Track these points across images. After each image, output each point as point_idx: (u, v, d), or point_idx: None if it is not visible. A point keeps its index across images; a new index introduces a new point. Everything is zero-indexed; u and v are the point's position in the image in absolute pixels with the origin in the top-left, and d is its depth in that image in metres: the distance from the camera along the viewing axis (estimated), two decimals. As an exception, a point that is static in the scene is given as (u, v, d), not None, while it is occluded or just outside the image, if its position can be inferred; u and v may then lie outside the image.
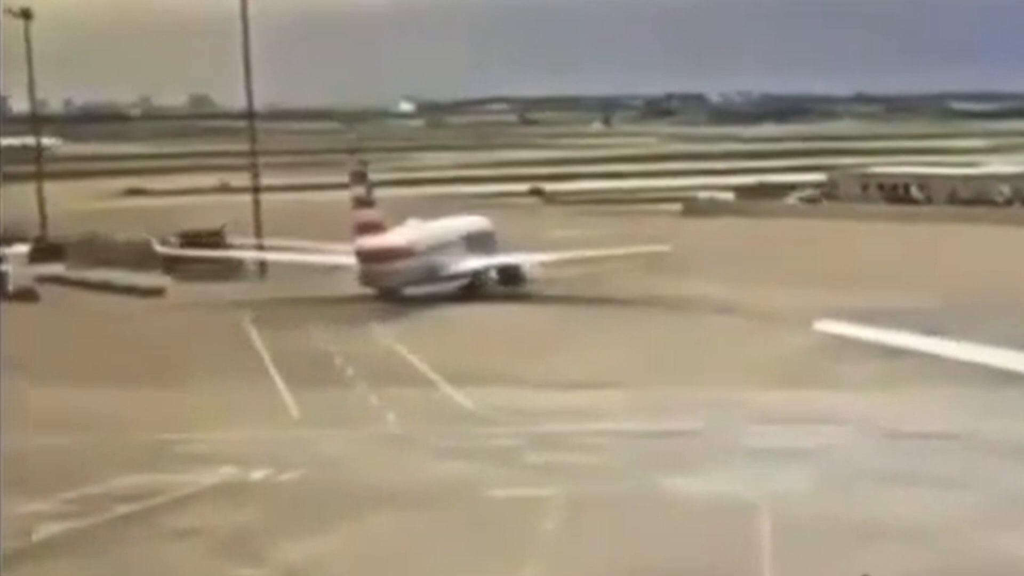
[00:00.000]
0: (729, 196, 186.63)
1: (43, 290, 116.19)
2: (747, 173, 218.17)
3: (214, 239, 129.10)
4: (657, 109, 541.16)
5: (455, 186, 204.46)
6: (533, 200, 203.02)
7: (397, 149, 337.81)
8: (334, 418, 67.68)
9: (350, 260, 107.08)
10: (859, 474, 55.09)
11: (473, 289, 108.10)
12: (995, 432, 60.74)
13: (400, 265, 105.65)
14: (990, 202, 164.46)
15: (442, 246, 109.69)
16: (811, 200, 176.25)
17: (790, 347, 79.40)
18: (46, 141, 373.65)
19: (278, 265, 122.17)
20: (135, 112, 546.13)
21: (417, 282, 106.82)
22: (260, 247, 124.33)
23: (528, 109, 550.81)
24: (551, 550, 46.53)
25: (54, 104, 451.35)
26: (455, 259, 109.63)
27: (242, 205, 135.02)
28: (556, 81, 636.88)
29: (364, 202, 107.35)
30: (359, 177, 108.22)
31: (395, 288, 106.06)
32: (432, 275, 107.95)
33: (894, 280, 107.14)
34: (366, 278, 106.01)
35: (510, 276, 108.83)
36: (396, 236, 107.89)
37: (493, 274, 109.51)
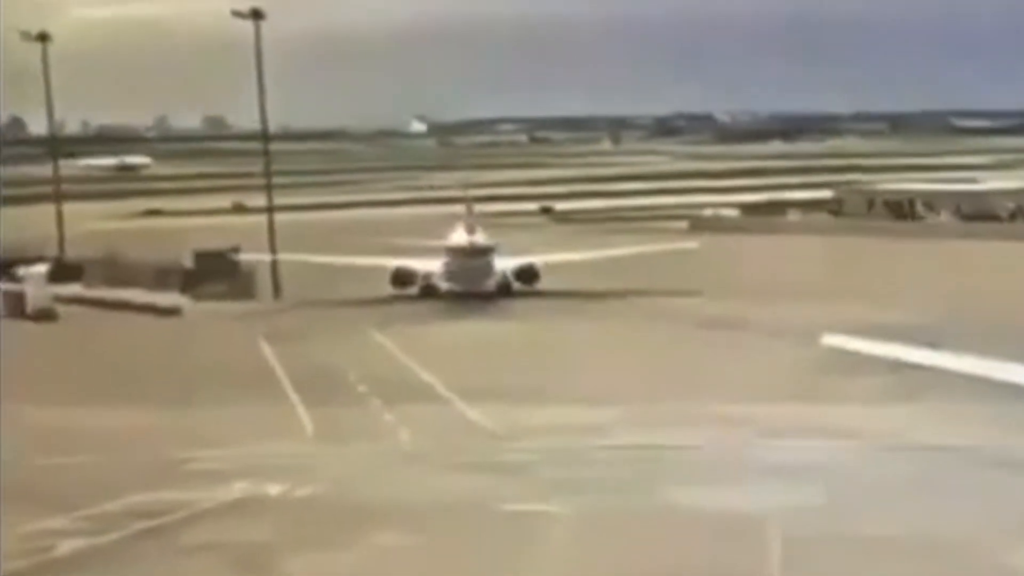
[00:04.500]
0: (735, 213, 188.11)
1: (61, 309, 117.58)
2: (754, 191, 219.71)
3: (229, 257, 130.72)
4: (665, 128, 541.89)
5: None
6: (543, 218, 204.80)
7: (409, 168, 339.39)
8: (350, 435, 68.64)
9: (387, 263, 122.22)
10: (867, 488, 55.46)
11: (504, 287, 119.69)
12: (1005, 446, 61.02)
13: (486, 260, 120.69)
14: (994, 218, 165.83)
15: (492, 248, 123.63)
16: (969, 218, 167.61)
17: (797, 361, 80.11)
18: (137, 160, 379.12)
19: (292, 284, 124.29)
20: (151, 134, 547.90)
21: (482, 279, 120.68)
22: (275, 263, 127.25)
23: (537, 128, 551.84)
24: (559, 564, 47.15)
25: (72, 125, 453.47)
26: (494, 260, 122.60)
27: (257, 225, 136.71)
28: (565, 101, 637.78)
29: (468, 209, 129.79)
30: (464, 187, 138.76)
31: (436, 286, 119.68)
32: (486, 273, 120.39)
33: (901, 294, 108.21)
34: (453, 274, 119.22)
35: (527, 275, 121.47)
36: (480, 237, 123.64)
37: (510, 274, 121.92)
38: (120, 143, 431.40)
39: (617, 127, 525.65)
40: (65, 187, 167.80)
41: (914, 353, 59.26)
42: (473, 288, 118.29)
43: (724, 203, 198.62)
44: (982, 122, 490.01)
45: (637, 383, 79.21)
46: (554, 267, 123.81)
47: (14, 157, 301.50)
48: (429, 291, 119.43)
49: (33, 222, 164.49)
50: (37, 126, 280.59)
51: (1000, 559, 46.35)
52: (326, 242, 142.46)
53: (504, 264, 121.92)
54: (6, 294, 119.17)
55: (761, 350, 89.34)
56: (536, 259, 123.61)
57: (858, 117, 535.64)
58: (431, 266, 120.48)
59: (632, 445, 63.99)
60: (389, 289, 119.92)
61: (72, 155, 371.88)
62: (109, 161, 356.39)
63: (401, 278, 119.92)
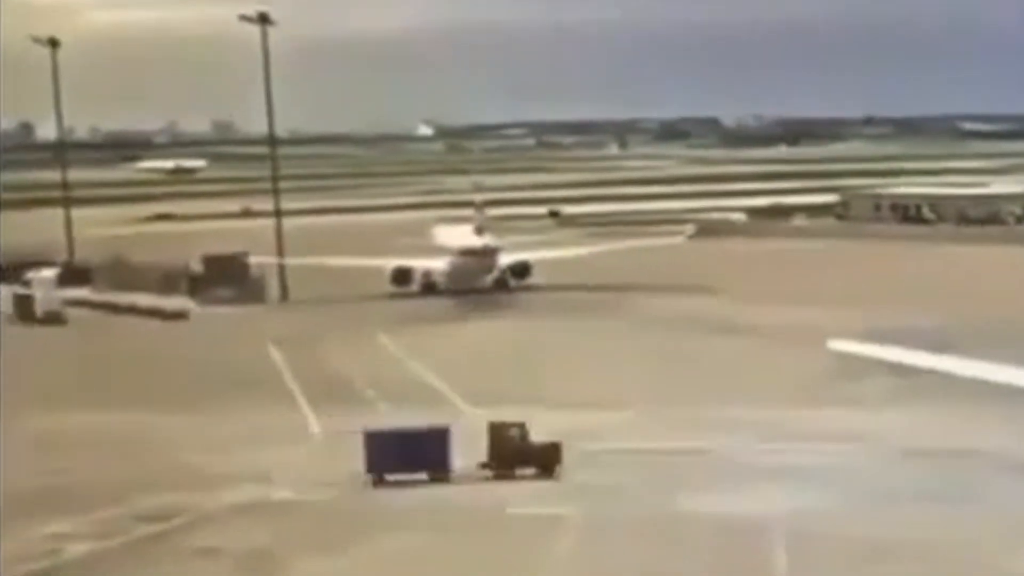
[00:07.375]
0: (741, 217, 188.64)
1: (70, 313, 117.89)
2: (761, 195, 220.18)
3: (237, 262, 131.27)
4: (672, 132, 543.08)
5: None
6: (550, 222, 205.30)
7: (417, 173, 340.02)
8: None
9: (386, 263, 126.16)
10: (874, 492, 55.66)
11: (501, 283, 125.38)
12: (1009, 449, 61.28)
13: (492, 261, 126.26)
14: (1000, 221, 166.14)
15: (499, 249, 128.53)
16: None
17: (804, 365, 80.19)
18: (193, 163, 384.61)
19: (299, 288, 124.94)
20: (160, 139, 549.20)
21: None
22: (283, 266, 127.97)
23: (545, 133, 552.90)
24: (568, 567, 47.62)
25: (81, 131, 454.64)
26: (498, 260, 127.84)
27: (265, 228, 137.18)
28: (572, 105, 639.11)
29: (479, 211, 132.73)
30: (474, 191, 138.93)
31: (435, 283, 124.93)
32: (487, 271, 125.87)
33: (907, 298, 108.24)
34: (458, 272, 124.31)
35: (521, 271, 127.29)
36: (488, 239, 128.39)
37: (507, 270, 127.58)
38: (128, 148, 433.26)
39: (623, 131, 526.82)
40: (102, 191, 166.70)
41: (920, 357, 59.52)
42: (472, 285, 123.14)
43: (730, 207, 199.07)
44: (988, 126, 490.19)
45: (642, 388, 79.35)
46: (551, 265, 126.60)
47: (25, 162, 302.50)
48: (429, 288, 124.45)
49: (43, 227, 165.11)
50: (46, 131, 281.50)
51: (1005, 562, 46.60)
52: (333, 244, 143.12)
53: (509, 259, 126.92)
54: (16, 297, 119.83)
55: (768, 354, 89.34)
56: (530, 255, 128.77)
57: (864, 121, 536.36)
58: (430, 264, 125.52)
59: (640, 450, 63.95)
60: (390, 287, 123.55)
61: (134, 158, 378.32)
62: (167, 164, 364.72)
63: (400, 276, 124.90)
